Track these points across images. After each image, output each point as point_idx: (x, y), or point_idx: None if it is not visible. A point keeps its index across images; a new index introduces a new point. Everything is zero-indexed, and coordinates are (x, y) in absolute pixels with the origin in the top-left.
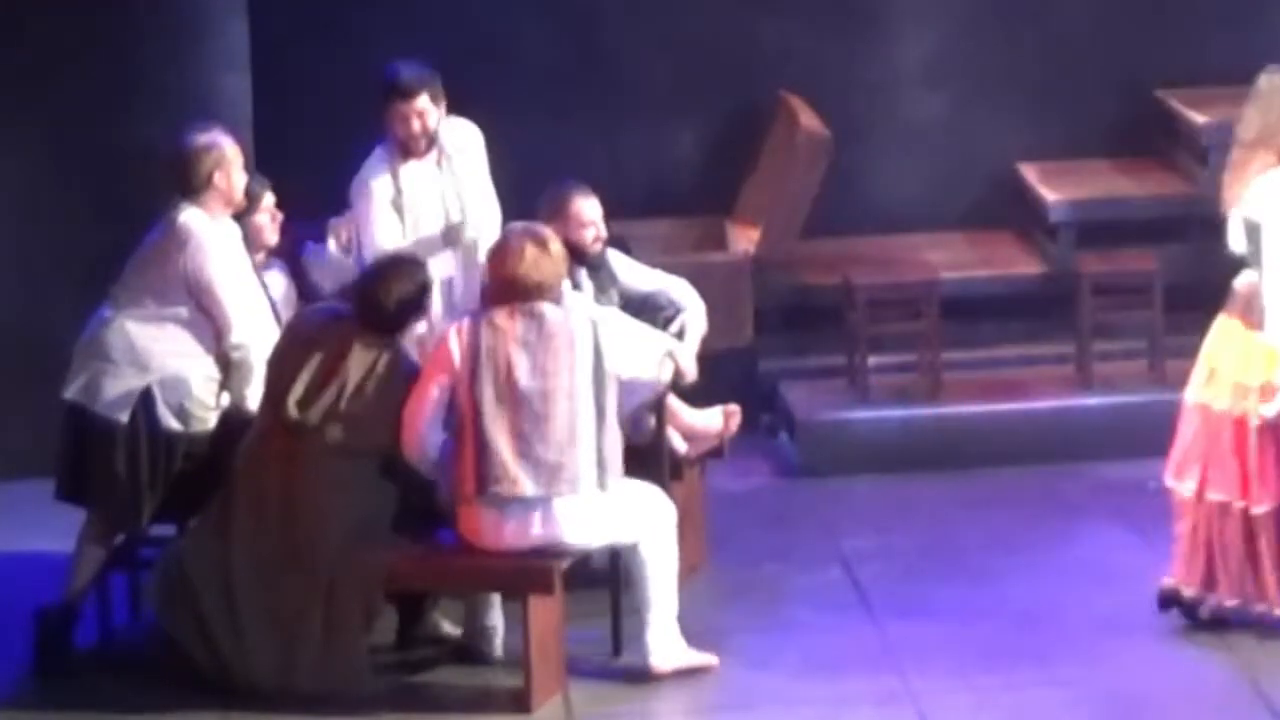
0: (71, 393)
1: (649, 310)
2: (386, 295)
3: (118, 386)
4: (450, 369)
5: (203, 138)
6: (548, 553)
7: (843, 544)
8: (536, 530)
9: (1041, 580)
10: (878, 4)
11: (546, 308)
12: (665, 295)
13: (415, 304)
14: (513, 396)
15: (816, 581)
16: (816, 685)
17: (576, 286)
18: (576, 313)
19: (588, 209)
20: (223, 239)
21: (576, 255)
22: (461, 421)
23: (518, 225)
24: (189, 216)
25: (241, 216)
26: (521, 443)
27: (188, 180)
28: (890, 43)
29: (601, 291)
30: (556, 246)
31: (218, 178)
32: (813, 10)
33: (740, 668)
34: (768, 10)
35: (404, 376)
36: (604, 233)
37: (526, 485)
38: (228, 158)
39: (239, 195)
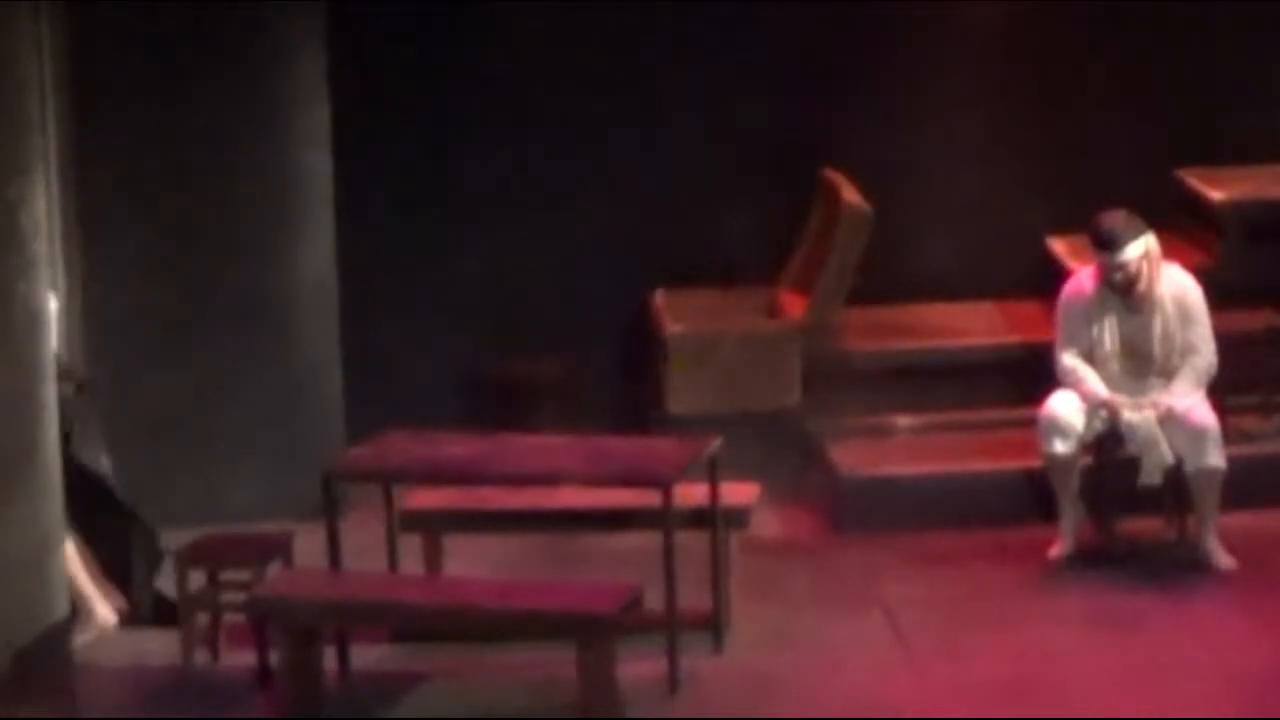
0: None
1: None
2: None
3: None
4: None
5: None
6: None
7: (884, 591)
8: None
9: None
10: (914, 89)
11: None
12: None
13: None
14: None
15: (858, 627)
16: None
17: None
18: None
19: None
20: None
21: None
22: None
23: None
24: None
25: None
26: None
27: None
28: (926, 124)
29: None
30: None
31: None
32: (855, 96)
33: (785, 712)
34: (813, 97)
35: None
36: None
37: None
38: None
39: None
